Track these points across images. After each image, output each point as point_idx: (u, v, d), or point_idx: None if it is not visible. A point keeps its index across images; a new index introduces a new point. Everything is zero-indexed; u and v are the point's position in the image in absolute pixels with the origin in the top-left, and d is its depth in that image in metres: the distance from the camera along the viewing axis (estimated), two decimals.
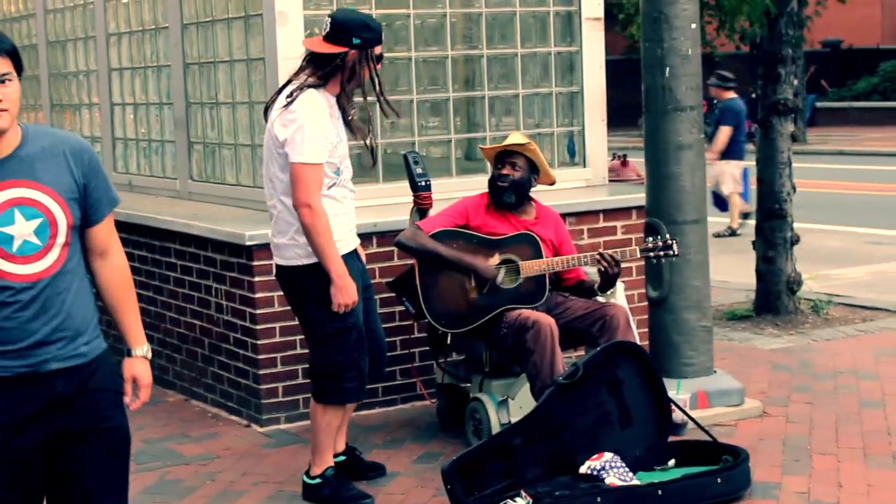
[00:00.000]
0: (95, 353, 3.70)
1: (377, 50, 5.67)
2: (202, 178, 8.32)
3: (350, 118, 5.79)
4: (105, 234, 3.75)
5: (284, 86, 5.71)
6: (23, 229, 3.51)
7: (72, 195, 3.61)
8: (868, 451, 6.31)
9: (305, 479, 5.83)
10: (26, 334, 3.53)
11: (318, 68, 5.63)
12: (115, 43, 9.31)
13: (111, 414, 3.74)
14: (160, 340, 7.98)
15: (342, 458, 6.03)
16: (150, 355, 3.94)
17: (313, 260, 5.56)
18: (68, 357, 3.61)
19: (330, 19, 5.69)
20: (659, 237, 6.62)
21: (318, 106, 5.55)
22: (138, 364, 3.88)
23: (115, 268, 3.80)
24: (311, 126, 5.47)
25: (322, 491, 5.77)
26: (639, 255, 6.60)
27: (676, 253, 6.48)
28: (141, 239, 8.07)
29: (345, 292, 5.51)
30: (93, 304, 3.73)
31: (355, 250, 5.84)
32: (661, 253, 6.48)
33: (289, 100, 5.56)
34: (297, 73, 5.74)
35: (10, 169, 3.54)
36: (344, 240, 5.65)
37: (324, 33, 5.67)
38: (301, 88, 5.58)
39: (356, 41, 5.58)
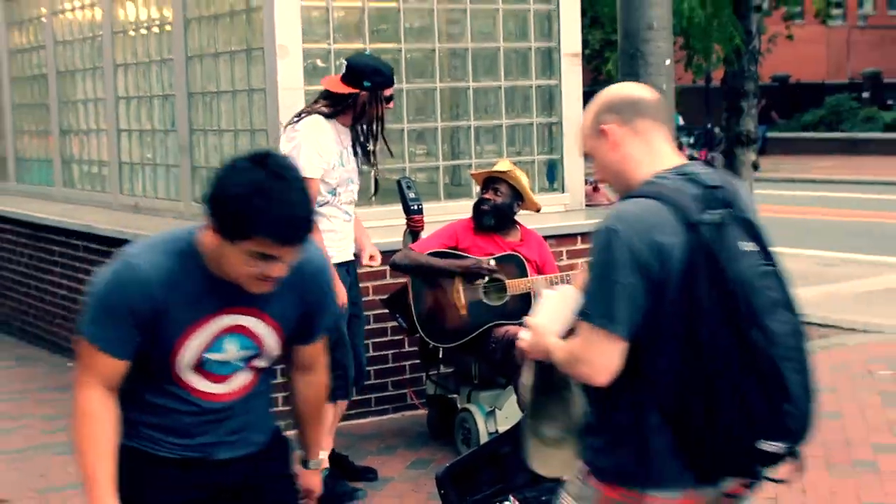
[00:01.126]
0: (267, 438, 3.31)
1: (387, 92, 5.78)
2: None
3: (371, 150, 5.88)
4: (315, 352, 3.37)
5: (300, 114, 5.80)
6: (229, 356, 3.11)
7: (293, 325, 3.19)
8: (830, 459, 6.33)
9: None
10: (198, 433, 3.15)
11: (332, 104, 5.77)
12: (121, 73, 9.28)
13: (286, 500, 3.42)
14: None
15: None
16: (325, 465, 3.63)
17: None
18: (242, 446, 3.22)
19: (346, 62, 5.84)
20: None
21: (320, 129, 5.67)
22: (315, 476, 3.52)
23: (317, 385, 3.42)
24: (308, 144, 5.60)
25: None
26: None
27: None
28: None
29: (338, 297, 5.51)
30: (270, 406, 3.38)
31: (347, 264, 5.87)
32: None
33: (296, 119, 5.73)
34: (312, 104, 5.88)
35: (242, 294, 3.02)
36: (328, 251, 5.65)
37: (340, 74, 5.81)
38: (309, 113, 5.74)
39: (367, 84, 5.72)
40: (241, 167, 2.86)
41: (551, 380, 2.86)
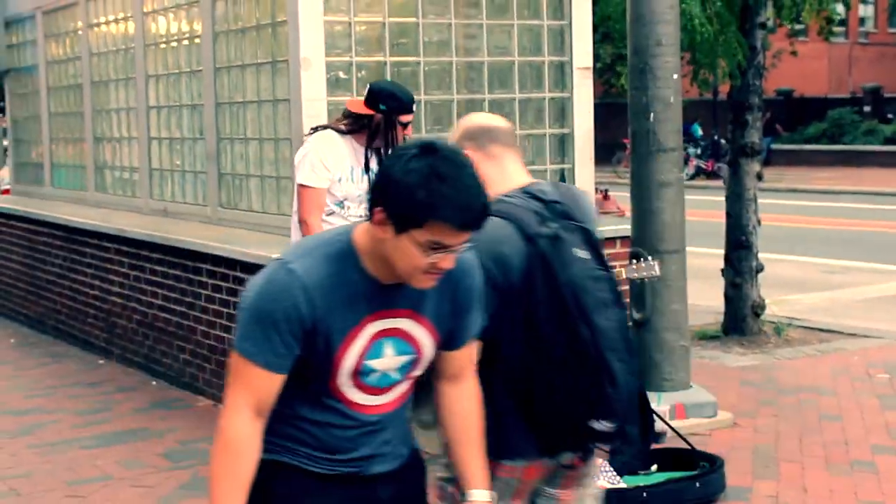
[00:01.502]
0: (409, 450, 3.04)
1: (403, 118, 5.79)
2: (230, 205, 8.30)
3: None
4: (465, 358, 2.99)
5: (316, 128, 5.98)
6: (389, 364, 2.82)
7: (446, 327, 2.89)
8: (829, 459, 6.30)
9: None
10: (354, 447, 2.89)
11: (350, 122, 5.84)
12: (153, 83, 9.30)
13: None
14: (192, 351, 7.95)
15: None
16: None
17: None
18: (392, 459, 2.96)
19: (368, 86, 5.91)
20: (642, 260, 6.60)
21: (331, 142, 5.77)
22: None
23: (468, 395, 3.02)
24: (315, 155, 5.73)
25: None
26: (624, 277, 6.58)
27: (658, 273, 6.46)
28: (175, 259, 8.05)
29: None
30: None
31: None
32: (645, 274, 6.46)
33: (311, 132, 5.87)
34: (335, 120, 5.98)
35: (397, 295, 2.79)
36: None
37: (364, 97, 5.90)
38: (325, 128, 5.84)
39: (383, 107, 5.77)
40: (411, 155, 2.62)
41: (426, 373, 3.11)
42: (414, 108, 5.89)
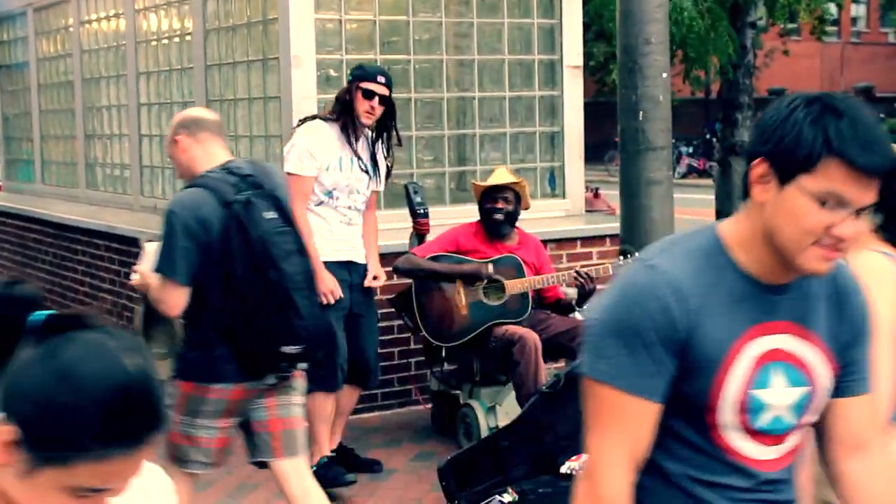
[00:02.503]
0: None
1: (364, 85, 5.77)
2: None
3: (387, 159, 6.01)
4: (866, 417, 2.25)
5: (305, 119, 6.02)
6: (779, 399, 2.14)
7: (841, 352, 2.22)
8: None
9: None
10: None
11: (334, 107, 5.90)
12: (144, 81, 9.32)
13: None
14: None
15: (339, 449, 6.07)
16: None
17: None
18: None
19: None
20: (629, 256, 6.62)
21: (318, 131, 5.79)
22: None
23: (879, 472, 2.25)
24: (301, 143, 5.75)
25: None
26: (611, 272, 6.58)
27: None
28: None
29: (323, 282, 5.55)
30: None
31: (347, 264, 5.91)
32: None
33: (299, 123, 5.92)
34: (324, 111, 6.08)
35: (780, 303, 2.16)
36: (320, 249, 5.69)
37: None
38: (314, 118, 5.89)
39: (349, 78, 5.93)
40: (795, 104, 2.04)
41: (156, 312, 4.12)
42: (382, 80, 5.82)
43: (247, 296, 4.08)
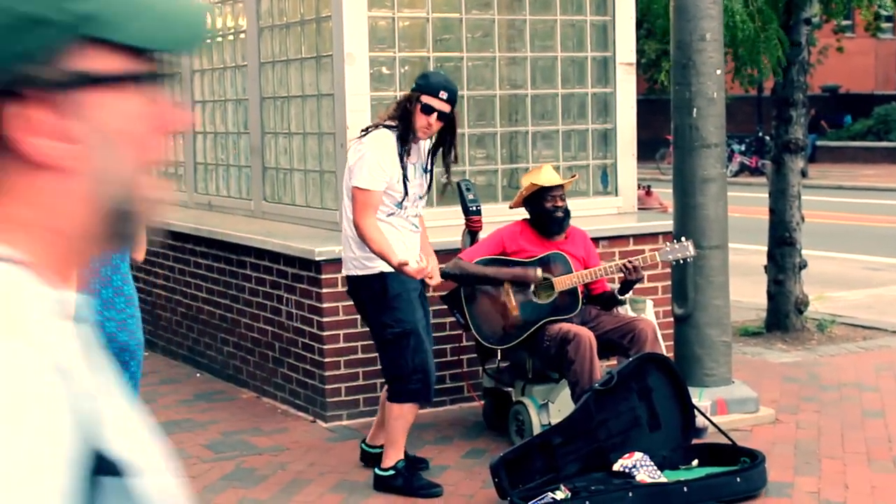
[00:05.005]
0: None
1: (426, 100, 5.60)
2: (274, 199, 8.37)
3: (446, 168, 5.90)
4: None
5: (367, 128, 5.85)
6: None
7: None
8: (871, 455, 6.28)
9: (378, 470, 5.80)
10: None
11: (394, 112, 5.74)
12: (198, 78, 9.38)
13: None
14: (235, 343, 8.02)
15: (378, 450, 5.99)
16: None
17: (365, 272, 5.65)
18: None
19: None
20: (675, 241, 6.56)
21: (385, 142, 5.63)
22: None
23: None
24: (372, 157, 5.57)
25: (395, 481, 5.75)
26: (658, 259, 6.51)
27: (692, 252, 6.42)
28: (220, 253, 8.12)
29: (408, 273, 5.53)
30: None
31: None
32: (679, 255, 6.42)
33: (363, 133, 5.70)
34: (380, 116, 5.94)
35: None
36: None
37: None
38: (376, 126, 5.73)
39: (413, 87, 5.74)
40: None
41: None
42: (445, 95, 5.61)
43: None
